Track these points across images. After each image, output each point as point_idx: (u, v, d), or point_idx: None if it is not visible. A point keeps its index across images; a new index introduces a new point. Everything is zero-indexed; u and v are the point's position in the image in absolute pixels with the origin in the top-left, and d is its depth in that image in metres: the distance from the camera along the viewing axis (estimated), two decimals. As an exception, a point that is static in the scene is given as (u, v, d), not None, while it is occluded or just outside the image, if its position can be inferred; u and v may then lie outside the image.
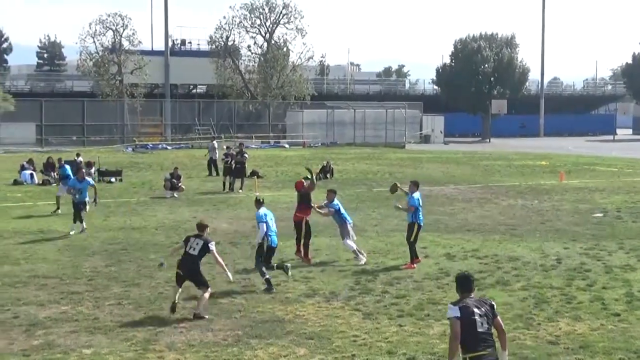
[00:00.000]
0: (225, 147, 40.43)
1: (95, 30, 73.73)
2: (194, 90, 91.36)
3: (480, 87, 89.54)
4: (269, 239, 15.92)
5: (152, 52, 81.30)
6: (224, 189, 33.54)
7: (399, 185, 18.91)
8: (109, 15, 74.21)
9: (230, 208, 27.85)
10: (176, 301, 13.79)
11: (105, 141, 68.06)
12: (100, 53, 74.33)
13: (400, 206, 18.78)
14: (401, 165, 47.84)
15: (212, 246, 13.91)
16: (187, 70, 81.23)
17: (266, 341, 12.35)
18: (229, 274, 14.43)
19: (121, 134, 71.85)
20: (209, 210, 27.16)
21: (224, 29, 79.79)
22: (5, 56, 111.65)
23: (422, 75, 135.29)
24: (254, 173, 37.85)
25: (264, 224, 15.77)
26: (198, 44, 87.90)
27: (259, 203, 16.42)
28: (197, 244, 13.83)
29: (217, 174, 38.79)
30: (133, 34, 74.72)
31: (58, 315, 13.72)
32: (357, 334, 12.75)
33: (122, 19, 74.25)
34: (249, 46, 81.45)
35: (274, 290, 15.48)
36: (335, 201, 18.69)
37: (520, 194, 32.46)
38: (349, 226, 18.70)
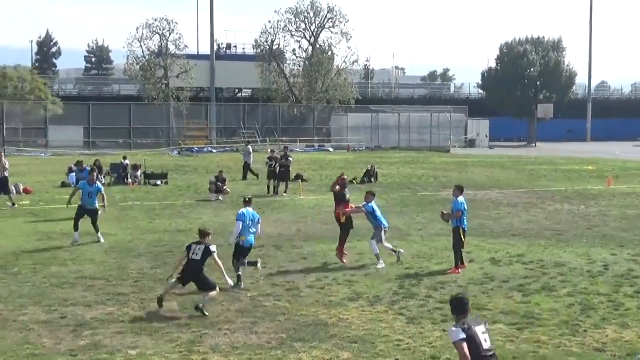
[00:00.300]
0: (269, 150, 40.57)
1: (142, 34, 74.79)
2: (239, 94, 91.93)
3: (527, 91, 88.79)
4: (245, 237, 16.40)
5: (198, 56, 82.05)
6: (268, 192, 33.65)
7: (444, 212, 18.85)
8: (155, 20, 75.20)
9: (275, 212, 27.91)
10: (164, 295, 14.34)
11: (151, 144, 68.84)
12: (147, 57, 75.24)
13: (445, 212, 18.70)
14: (446, 170, 47.58)
15: (214, 248, 14.38)
16: (232, 74, 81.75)
17: (310, 345, 12.36)
18: (228, 280, 15.03)
19: (167, 137, 72.62)
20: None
21: (269, 33, 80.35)
22: (54, 60, 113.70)
23: (468, 79, 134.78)
24: (298, 177, 37.93)
25: (240, 223, 16.35)
26: (243, 48, 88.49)
27: (245, 202, 17.10)
28: (199, 249, 14.32)
29: (257, 178, 39.05)
30: (179, 38, 75.59)
31: (104, 316, 13.89)
32: (400, 338, 12.71)
33: (169, 24, 75.13)
34: (294, 50, 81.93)
35: (242, 286, 15.83)
36: (372, 204, 18.74)
37: (566, 199, 32.09)
38: (383, 230, 18.71)
